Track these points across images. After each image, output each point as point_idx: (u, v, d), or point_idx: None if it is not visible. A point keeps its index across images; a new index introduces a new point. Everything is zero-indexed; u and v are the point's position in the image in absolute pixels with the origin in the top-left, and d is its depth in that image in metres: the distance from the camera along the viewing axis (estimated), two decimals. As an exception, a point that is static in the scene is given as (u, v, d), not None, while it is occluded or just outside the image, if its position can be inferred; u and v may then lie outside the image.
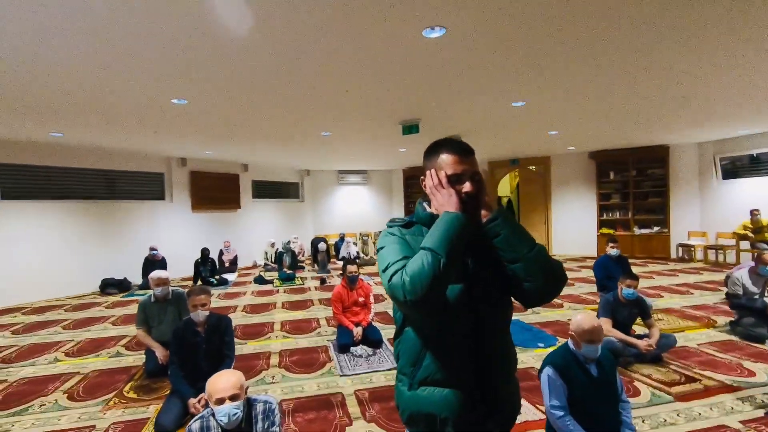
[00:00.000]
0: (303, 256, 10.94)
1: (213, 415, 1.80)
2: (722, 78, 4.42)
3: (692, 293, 6.21)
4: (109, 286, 7.62)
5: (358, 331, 4.26)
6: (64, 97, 4.36)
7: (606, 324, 3.68)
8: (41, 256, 7.10)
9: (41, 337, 4.96)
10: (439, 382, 1.23)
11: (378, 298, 6.45)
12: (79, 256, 7.59)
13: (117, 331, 5.14)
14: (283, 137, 7.07)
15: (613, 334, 3.62)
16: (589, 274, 7.33)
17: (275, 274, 9.00)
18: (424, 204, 1.35)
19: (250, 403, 1.90)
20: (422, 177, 1.30)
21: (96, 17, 2.63)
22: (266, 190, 11.69)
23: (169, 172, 9.08)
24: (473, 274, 1.23)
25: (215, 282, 7.98)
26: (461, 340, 1.23)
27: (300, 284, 8.04)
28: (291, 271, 8.69)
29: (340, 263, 8.27)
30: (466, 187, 1.19)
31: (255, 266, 10.57)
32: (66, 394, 3.36)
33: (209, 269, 8.10)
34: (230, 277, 8.71)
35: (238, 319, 5.56)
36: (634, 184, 9.90)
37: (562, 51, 3.50)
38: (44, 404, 3.19)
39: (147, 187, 8.80)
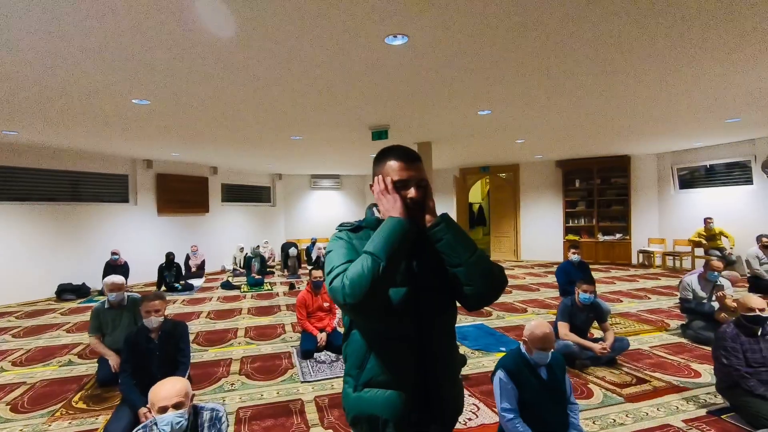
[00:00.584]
0: (273, 261, 10.80)
1: (156, 424, 1.75)
2: (679, 95, 4.65)
3: (649, 298, 6.46)
4: (66, 291, 7.30)
5: (321, 337, 4.23)
6: (13, 91, 4.17)
7: (563, 328, 3.78)
8: (-8, 261, 6.75)
9: (-13, 346, 4.70)
10: (382, 384, 1.24)
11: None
12: (36, 260, 7.25)
13: (71, 339, 4.92)
14: (252, 140, 6.99)
15: (570, 337, 3.72)
16: (555, 279, 7.51)
17: (244, 279, 8.85)
18: (374, 209, 1.38)
19: (196, 411, 1.85)
20: (371, 183, 1.33)
21: (50, 6, 2.54)
22: (236, 193, 11.50)
23: (134, 174, 8.81)
24: (418, 277, 1.26)
25: (180, 287, 7.77)
26: (405, 342, 1.25)
27: (268, 290, 7.92)
28: (260, 277, 8.56)
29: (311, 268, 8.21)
30: (411, 192, 1.23)
31: (223, 271, 10.35)
32: (9, 406, 3.19)
33: (174, 274, 7.88)
34: (196, 282, 8.48)
35: (201, 325, 5.42)
36: (599, 192, 10.25)
37: (524, 62, 3.61)
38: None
39: (110, 189, 8.50)
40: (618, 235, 10.03)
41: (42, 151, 7.30)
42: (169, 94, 4.32)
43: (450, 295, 1.30)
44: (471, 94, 4.59)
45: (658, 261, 9.58)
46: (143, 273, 8.39)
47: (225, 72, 3.69)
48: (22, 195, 7.20)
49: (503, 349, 4.24)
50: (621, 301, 6.27)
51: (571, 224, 10.57)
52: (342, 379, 3.56)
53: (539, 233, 10.97)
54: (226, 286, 8.15)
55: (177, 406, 1.73)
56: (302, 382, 3.52)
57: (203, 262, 9.33)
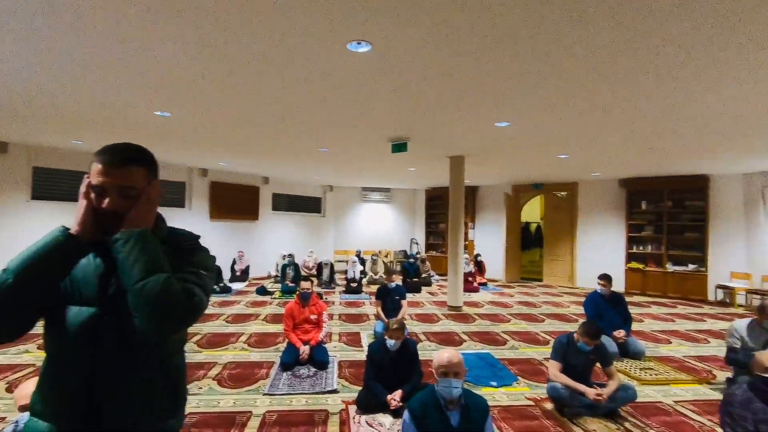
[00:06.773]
0: (315, 271, 10.98)
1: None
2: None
3: (709, 342, 5.46)
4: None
5: (304, 350, 4.15)
6: (79, 108, 4.71)
7: (553, 367, 3.31)
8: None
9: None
10: (39, 413, 1.08)
11: (364, 318, 6.30)
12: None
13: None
14: (282, 152, 7.22)
15: (559, 379, 3.23)
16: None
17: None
18: None
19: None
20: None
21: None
22: (286, 203, 11.97)
23: (190, 181, 9.56)
24: (112, 299, 1.08)
25: (218, 290, 8.20)
26: (70, 372, 1.06)
27: (298, 298, 8.04)
28: (293, 284, 8.74)
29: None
30: (105, 202, 1.08)
31: (269, 277, 10.77)
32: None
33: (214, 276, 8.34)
34: (236, 286, 8.93)
35: (215, 327, 5.64)
36: (669, 216, 9.03)
37: (543, 64, 3.15)
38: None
39: (169, 194, 9.30)
40: (691, 266, 8.71)
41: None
42: (188, 107, 4.59)
43: None
44: (481, 105, 4.27)
45: (740, 299, 8.13)
46: (191, 273, 9.01)
47: (251, 93, 3.92)
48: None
49: (494, 383, 3.82)
50: (670, 342, 5.37)
51: (635, 250, 9.42)
52: (304, 396, 3.47)
53: (597, 259, 9.91)
54: (261, 291, 8.45)
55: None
56: (264, 394, 3.46)
57: (248, 267, 9.81)
